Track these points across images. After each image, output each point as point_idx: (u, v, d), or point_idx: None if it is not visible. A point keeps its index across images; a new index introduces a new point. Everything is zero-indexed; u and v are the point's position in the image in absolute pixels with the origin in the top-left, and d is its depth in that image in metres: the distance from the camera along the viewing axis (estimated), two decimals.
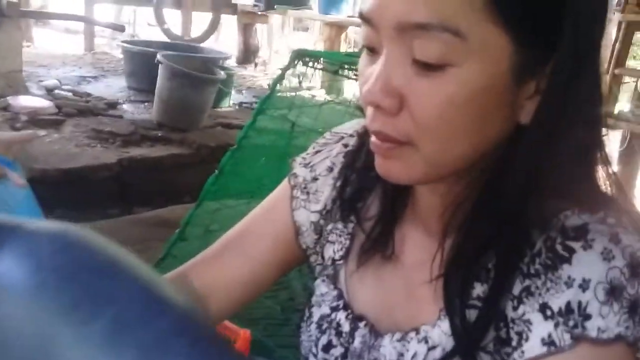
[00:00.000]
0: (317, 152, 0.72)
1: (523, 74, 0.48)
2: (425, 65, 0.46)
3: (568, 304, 0.48)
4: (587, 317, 0.47)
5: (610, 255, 0.47)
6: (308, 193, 0.71)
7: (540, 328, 0.48)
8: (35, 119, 2.88)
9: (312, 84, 1.90)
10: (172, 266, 2.07)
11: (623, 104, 3.89)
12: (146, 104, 3.61)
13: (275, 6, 5.29)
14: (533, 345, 0.48)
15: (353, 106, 1.96)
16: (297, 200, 0.71)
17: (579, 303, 0.47)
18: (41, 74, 3.98)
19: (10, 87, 3.18)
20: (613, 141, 3.51)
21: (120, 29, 3.80)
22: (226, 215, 1.85)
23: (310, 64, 1.55)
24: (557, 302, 0.48)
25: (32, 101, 3.06)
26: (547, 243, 0.50)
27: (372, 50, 0.50)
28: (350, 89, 2.85)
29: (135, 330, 0.29)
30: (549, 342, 0.47)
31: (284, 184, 0.73)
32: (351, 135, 0.69)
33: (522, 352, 0.49)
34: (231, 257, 0.71)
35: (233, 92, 4.33)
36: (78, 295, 0.26)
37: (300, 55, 1.56)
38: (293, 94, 1.81)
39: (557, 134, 0.49)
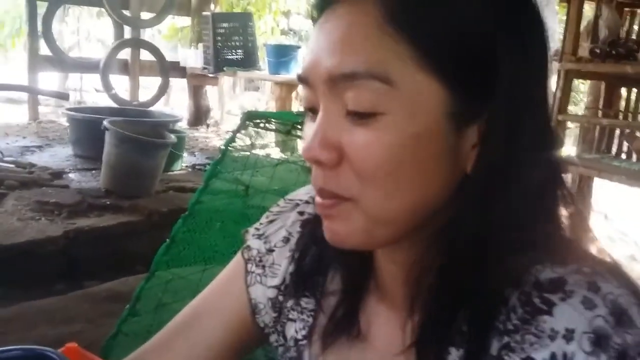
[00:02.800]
0: (271, 221, 0.68)
1: (461, 121, 0.47)
2: (359, 115, 0.46)
3: (553, 356, 0.45)
4: None
5: (591, 304, 0.45)
6: (264, 267, 0.66)
7: None
8: None
9: (266, 142, 1.87)
10: (123, 344, 1.93)
11: (569, 149, 4.03)
12: (93, 171, 3.50)
13: (224, 68, 5.33)
14: None
15: (307, 167, 1.94)
16: (252, 275, 0.66)
17: (564, 355, 0.45)
18: None
19: None
20: None
21: (65, 97, 3.72)
22: (179, 286, 1.75)
23: (262, 124, 1.52)
24: (541, 355, 0.46)
25: None
26: (522, 298, 0.48)
27: (313, 111, 0.50)
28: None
29: None
30: None
31: (237, 258, 0.68)
32: (307, 202, 0.66)
33: None
34: (181, 346, 0.65)
35: (185, 154, 4.27)
36: None
37: (251, 117, 1.53)
38: (246, 154, 1.77)
39: (501, 182, 0.48)
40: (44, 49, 5.10)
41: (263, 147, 1.91)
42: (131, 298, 1.78)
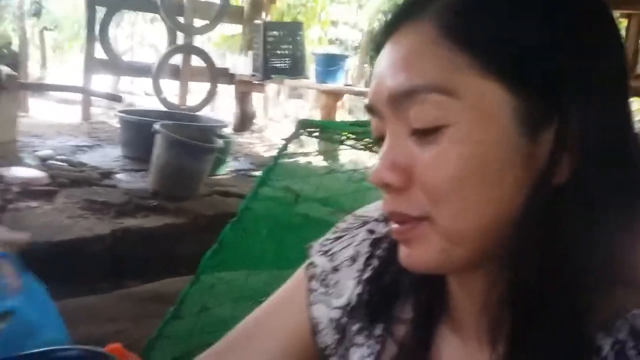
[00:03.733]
0: (337, 237, 0.65)
1: (531, 127, 0.44)
2: (424, 132, 0.45)
3: None
4: None
5: None
6: (327, 285, 0.63)
7: None
8: (28, 190, 2.81)
9: (310, 150, 1.86)
10: (165, 346, 1.93)
11: None
12: (141, 173, 3.56)
13: (272, 75, 5.37)
14: None
15: (356, 175, 1.91)
16: (315, 294, 0.63)
17: None
18: (36, 144, 3.95)
19: (3, 158, 3.12)
20: None
21: (117, 99, 3.80)
22: (223, 291, 1.75)
23: (315, 133, 1.50)
24: None
25: (24, 172, 3.00)
26: (615, 347, 0.43)
27: (382, 140, 0.49)
28: (351, 157, 2.81)
29: None
30: None
31: (299, 275, 0.65)
32: (376, 220, 0.63)
33: None
34: None
35: (230, 159, 4.30)
36: None
37: (305, 125, 1.52)
38: (295, 160, 1.77)
39: (600, 194, 0.44)
40: (99, 52, 5.26)
41: (306, 154, 1.90)
42: (174, 300, 1.79)
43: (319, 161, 2.28)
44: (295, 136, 1.45)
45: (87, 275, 2.48)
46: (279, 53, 5.51)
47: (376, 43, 0.50)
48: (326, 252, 0.64)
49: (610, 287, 0.44)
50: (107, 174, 3.42)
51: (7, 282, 1.04)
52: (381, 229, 0.61)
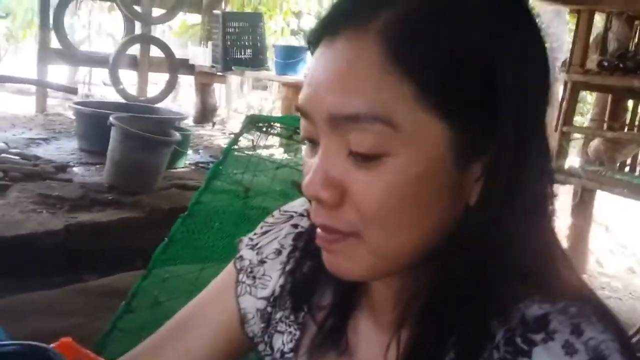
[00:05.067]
0: (265, 232, 0.68)
1: (464, 158, 0.47)
2: (362, 156, 0.46)
3: None
4: None
5: (572, 348, 0.45)
6: (254, 277, 0.67)
7: None
8: None
9: (270, 143, 1.88)
10: (118, 340, 1.94)
11: (572, 159, 4.02)
12: (97, 166, 3.52)
13: (232, 67, 5.34)
14: None
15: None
16: (243, 286, 0.67)
17: None
18: None
19: None
20: (565, 194, 3.60)
21: (73, 91, 3.74)
22: (175, 285, 1.76)
23: (264, 128, 1.52)
24: None
25: None
26: (506, 335, 0.48)
27: (312, 142, 0.50)
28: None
29: None
30: None
31: (230, 268, 0.69)
32: (301, 215, 0.66)
33: None
34: (170, 351, 0.66)
35: (190, 152, 4.28)
36: None
37: (254, 121, 1.54)
38: (248, 155, 1.78)
39: (504, 211, 0.48)
40: (54, 42, 5.14)
41: (267, 147, 1.92)
42: (128, 294, 1.79)
43: (279, 154, 2.30)
44: (243, 132, 1.47)
45: (41, 269, 2.45)
46: (240, 44, 5.48)
47: (314, 37, 0.49)
48: (254, 246, 0.67)
49: (510, 281, 0.48)
50: (63, 168, 3.37)
51: None
52: (304, 224, 0.65)
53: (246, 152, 1.74)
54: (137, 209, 2.91)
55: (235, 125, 6.21)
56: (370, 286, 0.58)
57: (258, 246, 0.67)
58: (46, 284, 2.37)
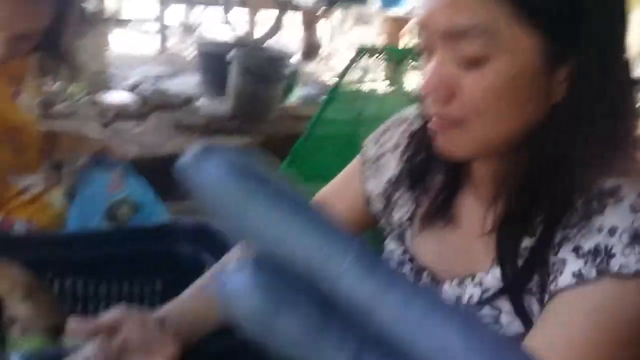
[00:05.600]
0: (385, 131, 0.84)
1: (552, 63, 0.59)
2: (469, 61, 0.58)
3: (597, 245, 0.57)
4: (612, 256, 0.56)
5: (638, 207, 0.57)
6: (377, 167, 0.82)
7: (573, 264, 0.58)
8: (122, 113, 3.18)
9: (376, 76, 2.04)
10: None
11: None
12: (219, 99, 3.85)
13: (337, 3, 5.45)
14: (565, 278, 0.58)
15: (413, 96, 2.08)
16: (367, 173, 0.83)
17: (606, 246, 0.56)
18: (122, 73, 4.31)
19: (98, 85, 3.49)
20: None
21: (192, 29, 4.03)
22: None
23: (375, 57, 1.70)
24: (587, 245, 0.57)
25: (118, 98, 3.37)
26: (585, 202, 0.59)
27: (429, 51, 0.62)
28: (411, 80, 2.96)
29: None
30: (578, 275, 0.57)
31: (356, 160, 0.86)
32: (415, 117, 0.80)
33: (557, 283, 0.59)
34: None
35: (298, 86, 4.52)
36: (256, 186, 0.42)
37: (365, 50, 1.72)
38: (358, 85, 1.96)
39: (586, 109, 0.59)
40: None
41: (374, 80, 2.08)
42: None
43: (383, 85, 2.45)
44: (355, 60, 1.65)
45: (176, 186, 2.82)
46: None
47: None
48: (376, 141, 0.84)
49: (590, 164, 0.60)
50: (189, 100, 3.74)
51: (118, 180, 1.39)
52: (418, 124, 0.77)
53: (356, 83, 1.92)
54: (256, 136, 3.22)
55: (339, 61, 6.35)
56: (473, 168, 0.70)
57: (380, 142, 0.83)
58: (182, 197, 2.74)
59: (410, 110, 0.85)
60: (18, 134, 1.23)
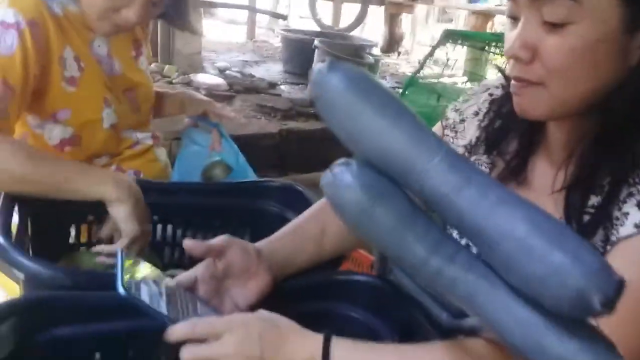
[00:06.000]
0: (466, 100, 0.89)
1: (630, 28, 0.61)
2: (552, 25, 0.61)
3: None
4: None
5: None
6: (456, 132, 0.87)
7: (635, 216, 0.62)
8: (212, 94, 3.37)
9: (456, 62, 2.08)
10: None
11: None
12: (300, 85, 4.00)
13: None
14: (627, 228, 0.62)
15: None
16: (447, 138, 0.87)
17: None
18: (213, 57, 4.54)
19: (191, 67, 3.72)
20: None
21: (282, 17, 4.20)
22: None
23: (459, 41, 1.75)
24: None
25: (209, 79, 3.57)
26: None
27: (514, 19, 0.66)
28: (492, 72, 2.97)
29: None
30: (639, 225, 0.61)
31: (437, 126, 0.91)
32: (496, 87, 0.84)
33: (618, 233, 0.63)
34: None
35: (377, 77, 4.59)
36: (381, 101, 0.50)
37: (450, 35, 1.77)
38: (438, 72, 2.01)
39: None
40: None
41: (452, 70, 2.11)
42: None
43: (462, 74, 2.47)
44: (440, 44, 1.71)
45: (259, 165, 2.98)
46: None
47: None
48: (457, 109, 0.89)
49: None
50: (273, 85, 3.90)
51: (217, 141, 1.49)
52: (498, 93, 0.82)
53: (435, 71, 1.97)
54: None
55: (419, 56, 6.36)
56: (548, 132, 0.73)
57: (460, 110, 0.88)
58: (263, 176, 2.90)
59: (494, 79, 0.89)
60: (136, 93, 1.32)
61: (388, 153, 0.48)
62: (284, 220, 1.28)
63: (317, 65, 0.49)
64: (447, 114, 0.90)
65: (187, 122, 1.47)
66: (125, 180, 1.06)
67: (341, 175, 0.50)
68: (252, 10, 5.24)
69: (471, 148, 0.84)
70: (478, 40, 1.78)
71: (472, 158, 0.83)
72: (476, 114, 0.85)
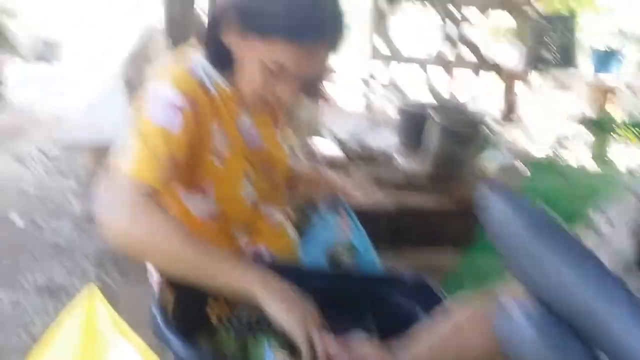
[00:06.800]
0: (607, 199, 0.89)
1: None
2: None
3: None
4: None
5: None
6: (600, 236, 0.86)
7: None
8: (331, 162, 3.51)
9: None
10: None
11: None
12: (416, 157, 4.04)
13: (538, 66, 5.39)
14: None
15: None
16: (587, 242, 0.87)
17: None
18: (329, 124, 4.72)
19: (309, 133, 3.90)
20: None
21: (394, 87, 4.29)
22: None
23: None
24: None
25: (326, 147, 3.73)
26: None
27: None
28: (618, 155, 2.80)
29: None
30: None
31: (576, 228, 0.90)
32: None
33: None
34: None
35: (493, 149, 4.53)
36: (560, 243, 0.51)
37: (585, 122, 1.73)
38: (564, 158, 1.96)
39: None
40: (380, 44, 5.90)
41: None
42: (441, 270, 2.09)
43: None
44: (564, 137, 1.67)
45: (373, 238, 3.03)
46: (549, 43, 5.47)
47: None
48: (600, 211, 0.87)
49: None
50: (388, 156, 3.98)
51: (344, 223, 1.55)
52: None
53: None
54: (451, 196, 3.33)
55: (534, 125, 6.21)
56: None
57: (603, 211, 0.87)
58: (379, 251, 2.93)
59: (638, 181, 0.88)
60: (274, 167, 1.38)
61: (571, 302, 0.50)
62: (411, 314, 1.29)
63: (479, 191, 0.51)
64: (589, 213, 0.89)
65: (318, 201, 1.53)
66: (276, 285, 1.08)
67: (518, 316, 0.52)
68: (367, 85, 5.41)
69: (624, 264, 0.82)
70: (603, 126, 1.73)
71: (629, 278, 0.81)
72: (627, 223, 0.84)
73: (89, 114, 2.88)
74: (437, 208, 3.24)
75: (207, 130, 1.22)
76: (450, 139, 3.54)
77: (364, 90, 6.15)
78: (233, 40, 1.20)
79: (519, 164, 4.45)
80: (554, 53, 5.49)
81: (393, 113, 5.17)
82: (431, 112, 3.70)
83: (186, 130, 1.15)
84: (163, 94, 1.15)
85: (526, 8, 5.81)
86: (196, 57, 1.25)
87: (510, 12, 6.27)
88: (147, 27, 3.04)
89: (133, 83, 2.77)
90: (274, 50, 1.15)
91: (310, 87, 1.37)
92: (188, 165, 1.20)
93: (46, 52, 9.21)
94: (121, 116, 2.77)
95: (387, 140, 4.51)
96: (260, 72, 1.18)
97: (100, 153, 2.78)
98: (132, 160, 1.10)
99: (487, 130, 4.04)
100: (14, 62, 8.59)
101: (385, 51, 5.92)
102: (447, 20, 5.86)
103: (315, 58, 1.19)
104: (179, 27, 3.20)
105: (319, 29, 1.16)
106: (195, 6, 3.26)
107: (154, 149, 1.10)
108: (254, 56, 1.18)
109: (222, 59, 1.24)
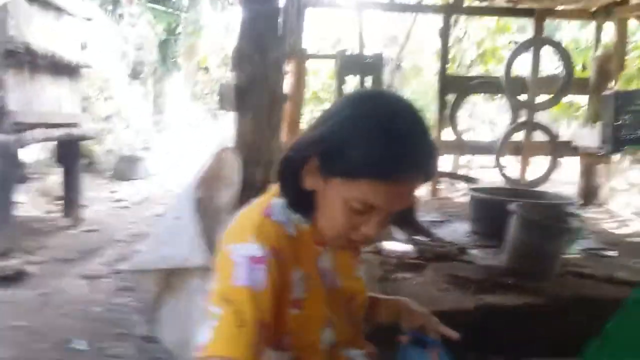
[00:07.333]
0: None
1: None
2: None
3: None
4: None
5: None
6: None
7: None
8: (401, 263, 3.25)
9: None
10: None
11: None
12: (493, 249, 3.73)
13: (623, 148, 5.06)
14: None
15: None
16: None
17: None
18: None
19: (379, 235, 3.68)
20: None
21: (473, 181, 4.09)
22: None
23: None
24: None
25: (398, 246, 3.48)
26: None
27: None
28: None
29: None
30: None
31: None
32: None
33: None
34: None
35: (580, 238, 4.15)
36: None
37: None
38: None
39: None
40: (445, 134, 5.76)
41: None
42: None
43: None
44: None
45: (456, 345, 2.71)
46: (632, 123, 5.16)
47: None
48: None
49: None
50: (463, 250, 3.69)
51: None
52: None
53: None
54: (538, 295, 2.97)
55: (618, 205, 5.77)
56: None
57: None
58: (462, 358, 2.61)
59: None
60: (352, 303, 1.28)
61: None
62: None
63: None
64: None
65: (403, 338, 1.34)
66: None
67: None
68: (445, 175, 5.24)
69: None
70: None
71: None
72: None
73: (159, 236, 2.82)
74: (526, 308, 2.89)
75: (288, 279, 1.12)
76: (534, 232, 3.22)
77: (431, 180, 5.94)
78: (314, 185, 1.11)
79: (607, 249, 4.05)
80: (636, 134, 5.16)
81: (459, 199, 4.91)
82: (511, 205, 3.42)
83: (271, 280, 1.04)
84: (244, 253, 1.05)
85: (607, 92, 5.57)
86: (275, 201, 1.17)
87: (587, 94, 6.02)
88: (220, 147, 3.02)
89: (204, 203, 2.73)
90: (360, 190, 1.04)
91: (402, 218, 1.21)
92: (271, 323, 1.07)
93: (126, 171, 9.76)
94: (189, 239, 2.70)
95: (458, 232, 4.24)
96: (344, 211, 1.07)
97: (165, 274, 2.69)
98: (217, 338, 0.97)
99: (574, 219, 3.69)
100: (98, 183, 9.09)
101: (452, 142, 5.75)
102: (519, 108, 5.67)
103: (408, 193, 1.07)
104: (250, 150, 3.16)
105: (415, 166, 1.03)
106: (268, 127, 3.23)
107: (242, 315, 0.98)
108: (336, 195, 1.07)
109: (301, 199, 1.14)
